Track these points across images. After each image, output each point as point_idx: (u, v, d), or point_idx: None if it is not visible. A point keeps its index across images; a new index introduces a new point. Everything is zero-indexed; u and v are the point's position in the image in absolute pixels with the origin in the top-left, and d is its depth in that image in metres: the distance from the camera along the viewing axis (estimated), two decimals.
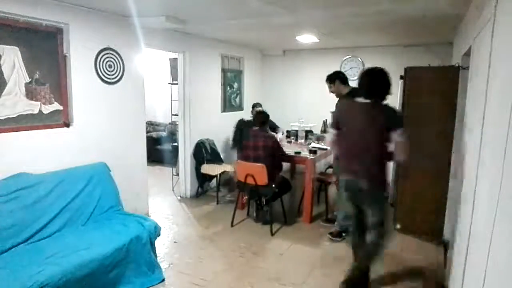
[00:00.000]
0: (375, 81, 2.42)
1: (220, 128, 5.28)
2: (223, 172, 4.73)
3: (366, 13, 3.17)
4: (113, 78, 3.44)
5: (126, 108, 3.63)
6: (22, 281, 1.96)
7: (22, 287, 1.92)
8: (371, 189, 2.39)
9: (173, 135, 6.11)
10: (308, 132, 5.04)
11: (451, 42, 4.54)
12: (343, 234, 3.54)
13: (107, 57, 3.36)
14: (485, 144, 1.62)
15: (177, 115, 4.81)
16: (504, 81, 1.35)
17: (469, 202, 1.89)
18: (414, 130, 3.54)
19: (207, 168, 4.67)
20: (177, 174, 5.06)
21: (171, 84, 5.13)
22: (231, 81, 5.64)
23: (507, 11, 1.39)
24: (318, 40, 4.75)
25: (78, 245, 2.41)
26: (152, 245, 2.79)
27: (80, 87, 3.13)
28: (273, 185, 3.64)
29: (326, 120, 4.96)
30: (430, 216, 3.44)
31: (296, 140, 4.94)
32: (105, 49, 3.32)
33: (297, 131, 5.01)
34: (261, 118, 3.77)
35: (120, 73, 3.52)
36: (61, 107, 3.00)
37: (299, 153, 4.11)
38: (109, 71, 3.38)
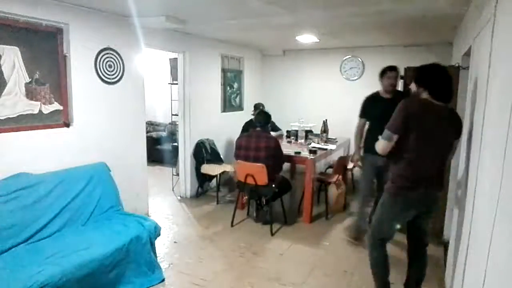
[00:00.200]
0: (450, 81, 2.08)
1: (220, 128, 5.28)
2: (223, 172, 4.73)
3: (366, 13, 3.17)
4: (113, 78, 3.44)
5: (126, 108, 3.63)
6: (22, 281, 1.96)
7: (22, 287, 1.92)
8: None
9: (173, 135, 6.11)
10: (308, 132, 5.04)
11: (451, 42, 4.54)
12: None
13: (107, 57, 3.36)
14: (485, 144, 1.62)
15: (177, 115, 4.81)
16: (504, 81, 1.35)
17: (469, 202, 1.89)
18: None
19: (207, 168, 4.67)
20: (177, 174, 5.06)
21: (171, 84, 5.13)
22: (231, 81, 5.64)
23: (507, 11, 1.39)
24: (318, 40, 4.75)
25: (78, 245, 2.41)
26: (152, 245, 2.79)
27: (80, 87, 3.13)
28: (273, 185, 3.64)
29: (326, 120, 4.97)
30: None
31: (296, 140, 4.94)
32: (105, 49, 3.32)
33: (297, 131, 5.01)
34: (263, 119, 3.77)
35: (120, 73, 3.52)
36: (61, 107, 3.00)
37: (299, 153, 4.11)
38: (109, 71, 3.38)
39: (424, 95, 2.09)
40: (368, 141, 3.34)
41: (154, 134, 6.81)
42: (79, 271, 2.18)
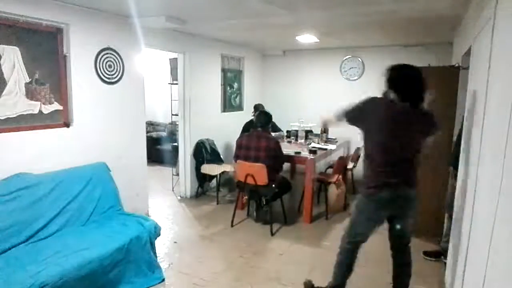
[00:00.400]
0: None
1: (220, 128, 5.28)
2: (223, 172, 4.73)
3: (366, 13, 3.17)
4: (113, 78, 3.44)
5: (126, 108, 3.63)
6: (22, 281, 1.96)
7: (22, 287, 1.92)
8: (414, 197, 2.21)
9: (173, 135, 6.10)
10: (308, 132, 5.04)
11: (451, 42, 4.54)
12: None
13: (107, 57, 3.36)
14: (485, 144, 1.62)
15: (177, 115, 4.81)
16: (504, 81, 1.35)
17: (469, 202, 1.89)
18: None
19: (207, 168, 4.67)
20: (177, 174, 5.06)
21: (171, 84, 5.13)
22: (231, 81, 5.64)
23: (507, 11, 1.39)
24: (318, 40, 4.75)
25: (78, 245, 2.41)
26: (152, 245, 2.79)
27: (80, 87, 3.12)
28: (273, 185, 3.64)
29: None
30: (430, 216, 3.44)
31: (296, 140, 4.94)
32: (105, 49, 3.32)
33: (297, 131, 5.01)
34: (264, 119, 3.77)
35: (120, 73, 3.52)
36: (61, 107, 3.00)
37: (299, 153, 4.11)
38: (109, 71, 3.38)
39: (392, 95, 2.08)
40: None
41: (154, 134, 6.81)
42: (79, 271, 2.18)
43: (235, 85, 5.75)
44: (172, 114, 5.19)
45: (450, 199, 2.82)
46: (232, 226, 3.85)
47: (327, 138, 4.90)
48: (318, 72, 6.00)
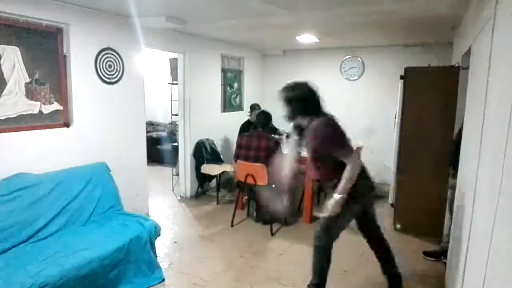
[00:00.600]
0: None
1: (220, 128, 5.28)
2: (223, 172, 4.73)
3: (366, 13, 3.17)
4: (113, 78, 3.44)
5: (126, 108, 3.63)
6: (22, 281, 1.96)
7: (22, 287, 1.92)
8: None
9: (173, 135, 6.11)
10: None
11: (451, 42, 4.54)
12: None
13: (107, 57, 3.36)
14: (485, 144, 1.62)
15: (177, 115, 4.81)
16: (504, 81, 1.35)
17: (469, 202, 1.89)
18: (414, 130, 3.56)
19: (207, 168, 4.67)
20: (177, 174, 5.06)
21: (171, 84, 5.13)
22: (231, 81, 5.64)
23: (507, 11, 1.39)
24: (318, 40, 4.75)
25: (78, 245, 2.41)
26: (152, 245, 2.79)
27: (80, 87, 3.12)
28: (273, 185, 3.63)
29: None
30: (430, 216, 3.44)
31: None
32: (105, 49, 3.32)
33: None
34: (263, 119, 3.77)
35: (120, 73, 3.52)
36: (61, 107, 3.00)
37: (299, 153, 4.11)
38: (109, 71, 3.38)
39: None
40: None
41: (154, 134, 6.81)
42: (79, 271, 2.19)
43: (235, 85, 5.75)
44: (172, 114, 5.20)
45: (451, 200, 2.85)
46: (232, 226, 3.85)
47: None
48: (318, 72, 5.99)
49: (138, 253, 2.63)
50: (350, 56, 5.67)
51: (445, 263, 2.86)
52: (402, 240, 3.48)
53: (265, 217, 3.95)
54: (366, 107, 5.63)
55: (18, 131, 2.69)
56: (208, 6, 3.08)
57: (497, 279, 1.17)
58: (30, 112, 2.77)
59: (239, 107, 5.88)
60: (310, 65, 6.04)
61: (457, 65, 3.31)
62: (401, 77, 3.88)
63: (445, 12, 3.01)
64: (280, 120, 5.54)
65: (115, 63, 3.44)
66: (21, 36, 2.66)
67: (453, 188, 2.85)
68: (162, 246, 3.33)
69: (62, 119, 3.02)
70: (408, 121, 3.59)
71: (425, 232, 3.53)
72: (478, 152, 1.73)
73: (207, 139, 4.95)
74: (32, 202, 2.56)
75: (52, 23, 2.88)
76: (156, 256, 2.84)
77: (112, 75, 3.42)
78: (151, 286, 2.67)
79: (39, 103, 2.83)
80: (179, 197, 4.86)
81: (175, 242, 3.47)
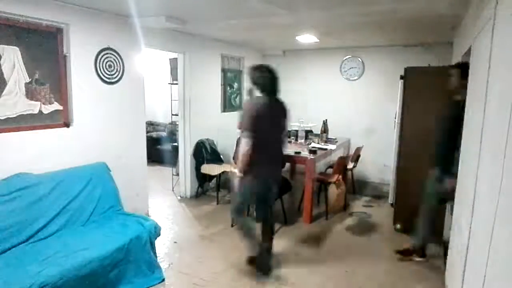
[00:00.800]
0: (275, 77, 2.77)
1: (220, 128, 5.28)
2: (223, 172, 4.73)
3: (366, 13, 3.17)
4: (113, 78, 3.44)
5: (126, 108, 3.63)
6: (22, 281, 1.96)
7: (22, 287, 1.92)
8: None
9: (173, 135, 6.11)
10: (308, 132, 5.04)
11: (451, 42, 4.54)
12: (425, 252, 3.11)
13: (107, 57, 3.36)
14: (485, 144, 1.62)
15: (177, 115, 4.81)
16: (504, 81, 1.35)
17: (469, 202, 1.89)
18: (414, 130, 3.56)
19: (207, 168, 4.67)
20: (177, 174, 5.06)
21: (171, 84, 5.13)
22: (231, 81, 5.64)
23: (507, 11, 1.39)
24: (318, 40, 4.75)
25: (78, 245, 2.41)
26: (152, 245, 2.79)
27: (80, 87, 3.12)
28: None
29: (326, 120, 4.97)
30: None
31: (296, 140, 4.94)
32: (105, 49, 3.32)
33: (297, 131, 5.01)
34: None
35: (120, 73, 3.52)
36: (61, 107, 3.00)
37: (299, 153, 4.11)
38: (109, 71, 3.38)
39: (257, 92, 2.74)
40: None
41: (154, 134, 6.81)
42: (79, 271, 2.19)
43: (235, 85, 5.75)
44: (172, 114, 5.19)
45: (430, 211, 2.99)
46: (232, 226, 3.85)
47: (327, 138, 4.90)
48: (318, 72, 6.00)
49: (138, 253, 2.63)
50: (350, 56, 5.67)
51: (445, 263, 2.85)
52: (402, 240, 3.48)
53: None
54: (366, 107, 5.63)
55: (18, 131, 2.69)
56: (208, 6, 3.08)
57: (497, 279, 1.17)
58: (30, 112, 2.77)
59: (239, 107, 5.88)
60: (310, 65, 6.05)
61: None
62: (401, 77, 3.88)
63: (445, 12, 3.01)
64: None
65: (115, 63, 3.44)
66: (21, 36, 2.66)
67: (441, 195, 2.84)
68: (162, 246, 3.33)
69: (62, 119, 3.02)
70: (408, 121, 3.59)
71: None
72: (478, 152, 1.74)
73: (207, 139, 4.95)
74: (32, 202, 2.56)
75: (52, 23, 2.88)
76: (156, 256, 2.84)
77: (112, 75, 3.42)
78: (151, 286, 2.67)
79: (39, 103, 2.83)
80: (179, 197, 4.86)
81: (175, 242, 3.47)
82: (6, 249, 2.32)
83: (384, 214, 4.28)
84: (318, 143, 4.70)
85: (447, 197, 2.78)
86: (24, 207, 2.50)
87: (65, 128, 3.05)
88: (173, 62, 4.84)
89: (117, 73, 3.48)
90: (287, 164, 5.37)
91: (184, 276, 2.86)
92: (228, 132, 5.32)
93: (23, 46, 2.67)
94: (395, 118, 4.33)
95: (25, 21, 2.68)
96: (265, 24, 3.80)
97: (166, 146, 6.46)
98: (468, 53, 2.68)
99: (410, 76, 3.59)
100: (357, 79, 5.65)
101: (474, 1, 2.45)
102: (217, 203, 4.60)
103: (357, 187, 5.20)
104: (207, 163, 4.73)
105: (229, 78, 5.56)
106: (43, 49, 2.83)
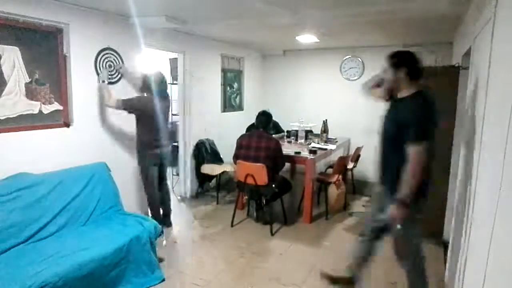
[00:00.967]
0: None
1: (220, 128, 5.28)
2: (223, 172, 4.73)
3: (366, 13, 3.17)
4: (113, 78, 3.44)
5: None
6: (22, 281, 1.96)
7: (22, 287, 1.92)
8: None
9: (173, 135, 6.10)
10: (308, 132, 5.04)
11: (451, 42, 4.54)
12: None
13: (107, 57, 3.36)
14: (485, 144, 1.62)
15: (177, 115, 4.81)
16: (504, 81, 1.35)
17: (469, 202, 1.89)
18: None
19: (207, 168, 4.67)
20: (177, 174, 5.06)
21: (171, 84, 5.13)
22: (231, 81, 5.64)
23: (507, 11, 1.39)
24: (318, 40, 4.75)
25: (78, 245, 2.41)
26: (152, 245, 2.79)
27: (80, 87, 3.12)
28: (273, 185, 3.64)
29: (326, 120, 4.97)
30: (430, 216, 3.43)
31: (296, 140, 4.94)
32: (105, 49, 3.32)
33: (297, 131, 5.01)
34: (264, 119, 3.76)
35: (120, 73, 3.51)
36: (61, 107, 3.00)
37: (299, 153, 4.11)
38: (109, 71, 3.38)
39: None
40: None
41: None
42: (79, 271, 2.18)
43: (235, 85, 5.75)
44: (172, 114, 5.19)
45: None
46: (232, 226, 3.85)
47: (327, 138, 4.90)
48: (318, 72, 6.00)
49: (138, 253, 2.63)
50: (350, 56, 5.67)
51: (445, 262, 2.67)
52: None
53: (265, 217, 3.95)
54: (366, 107, 5.61)
55: (18, 131, 2.69)
56: (208, 6, 3.08)
57: (497, 279, 1.17)
58: (30, 112, 2.77)
59: (239, 107, 5.88)
60: (310, 65, 6.04)
61: (457, 65, 3.31)
62: None
63: (445, 12, 3.01)
64: (280, 120, 5.57)
65: (115, 63, 3.44)
66: (21, 36, 2.66)
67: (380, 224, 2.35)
68: (162, 246, 3.33)
69: (62, 119, 3.02)
70: None
71: (425, 232, 3.51)
72: (478, 151, 1.74)
73: (207, 139, 4.95)
74: (32, 202, 2.56)
75: (52, 23, 2.87)
76: (156, 256, 2.84)
77: (112, 75, 3.42)
78: (151, 286, 2.67)
79: (39, 103, 2.82)
80: (179, 197, 4.86)
81: (175, 242, 3.47)
82: (6, 249, 2.32)
83: None
84: (318, 143, 4.70)
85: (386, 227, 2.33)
86: (24, 207, 2.50)
87: (65, 128, 3.05)
88: (173, 62, 4.84)
89: (117, 73, 3.48)
90: (287, 164, 5.36)
91: (184, 276, 2.86)
92: (228, 132, 5.32)
93: (23, 46, 2.67)
94: None
95: (25, 21, 2.68)
96: (265, 24, 3.80)
97: None
98: (468, 53, 2.68)
99: None
100: (357, 79, 5.65)
101: (474, 1, 2.45)
102: (217, 203, 4.60)
103: (357, 187, 5.20)
104: (207, 163, 4.73)
105: (229, 78, 5.56)
106: (43, 49, 2.83)
